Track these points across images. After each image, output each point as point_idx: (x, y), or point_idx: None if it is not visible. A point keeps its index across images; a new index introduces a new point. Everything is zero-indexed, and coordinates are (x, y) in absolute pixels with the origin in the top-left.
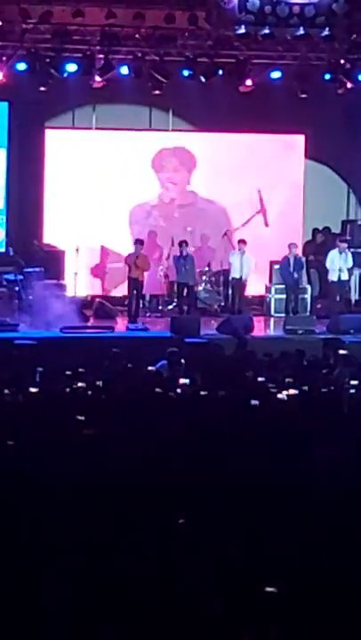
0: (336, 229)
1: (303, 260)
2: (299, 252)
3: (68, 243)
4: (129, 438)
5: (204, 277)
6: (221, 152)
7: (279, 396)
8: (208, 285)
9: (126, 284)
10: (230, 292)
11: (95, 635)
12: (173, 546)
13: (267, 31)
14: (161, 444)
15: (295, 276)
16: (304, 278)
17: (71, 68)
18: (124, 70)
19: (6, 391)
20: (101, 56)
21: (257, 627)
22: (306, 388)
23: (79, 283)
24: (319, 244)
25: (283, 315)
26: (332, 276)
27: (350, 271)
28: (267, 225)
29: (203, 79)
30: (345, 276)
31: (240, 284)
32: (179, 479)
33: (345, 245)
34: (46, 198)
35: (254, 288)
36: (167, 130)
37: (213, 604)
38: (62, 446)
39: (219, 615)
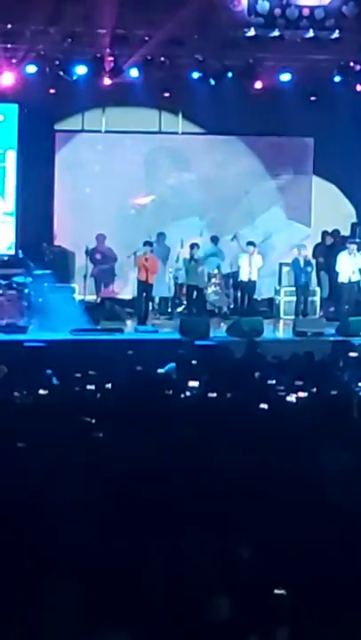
0: (345, 232)
1: (313, 262)
2: (308, 253)
3: (77, 245)
4: (137, 440)
5: (213, 279)
6: (231, 154)
7: (288, 398)
8: (217, 287)
9: (135, 286)
10: (240, 294)
11: (102, 638)
12: (181, 549)
13: (276, 34)
14: (169, 447)
15: (305, 277)
16: (314, 280)
17: (81, 70)
18: (134, 73)
19: (16, 393)
20: (111, 59)
21: (265, 629)
22: (315, 390)
23: (89, 285)
24: (329, 246)
25: (292, 317)
26: (342, 278)
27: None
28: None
29: (212, 82)
30: (355, 278)
31: (249, 286)
32: (187, 482)
33: (355, 247)
34: (56, 201)
35: (264, 290)
36: (177, 133)
37: (222, 607)
38: (71, 449)
39: (227, 617)
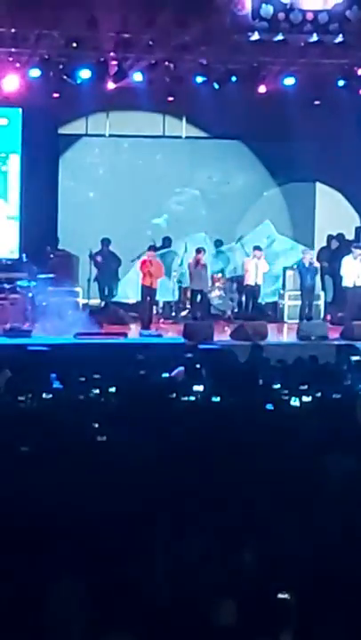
0: (349, 235)
1: (318, 267)
2: (313, 257)
3: (81, 249)
4: (141, 444)
5: (217, 284)
6: (234, 156)
7: (292, 402)
8: (221, 291)
9: (139, 290)
10: (244, 298)
11: None
12: (186, 553)
13: (280, 38)
14: (173, 451)
15: (310, 281)
16: (318, 284)
17: (85, 74)
18: (138, 77)
19: (20, 397)
20: (115, 63)
21: (270, 633)
22: (319, 394)
23: (92, 288)
24: (334, 250)
25: (296, 321)
26: (347, 282)
27: None
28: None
29: (216, 86)
30: (360, 282)
31: (254, 290)
32: (191, 486)
33: (360, 251)
34: (60, 204)
35: (268, 294)
36: (180, 137)
37: (227, 611)
38: (75, 452)
39: (232, 622)
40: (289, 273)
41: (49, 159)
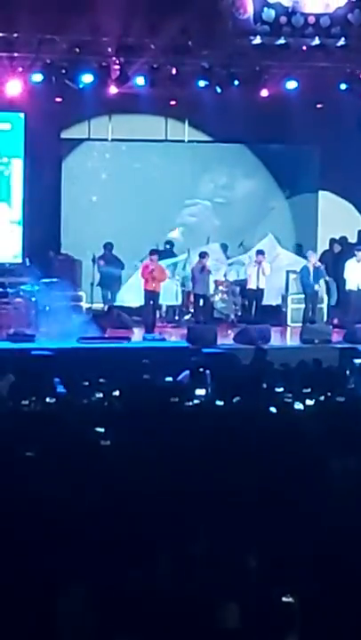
0: (352, 239)
1: (323, 270)
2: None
3: (84, 253)
4: (145, 448)
5: (220, 287)
6: (237, 160)
7: (296, 406)
8: (225, 295)
9: (143, 294)
10: (247, 301)
11: None
12: (190, 557)
13: (282, 41)
14: (177, 455)
15: (314, 286)
16: (322, 287)
17: (87, 78)
18: (140, 81)
19: (24, 402)
20: (117, 67)
21: (274, 637)
22: (322, 397)
23: (96, 293)
24: (337, 253)
25: (300, 324)
26: (351, 286)
27: None
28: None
29: (218, 90)
30: None
31: (257, 294)
32: (195, 490)
33: None
34: (63, 209)
35: (271, 298)
36: (183, 141)
37: (231, 615)
38: (79, 457)
39: (236, 626)
40: (292, 277)
41: (51, 163)
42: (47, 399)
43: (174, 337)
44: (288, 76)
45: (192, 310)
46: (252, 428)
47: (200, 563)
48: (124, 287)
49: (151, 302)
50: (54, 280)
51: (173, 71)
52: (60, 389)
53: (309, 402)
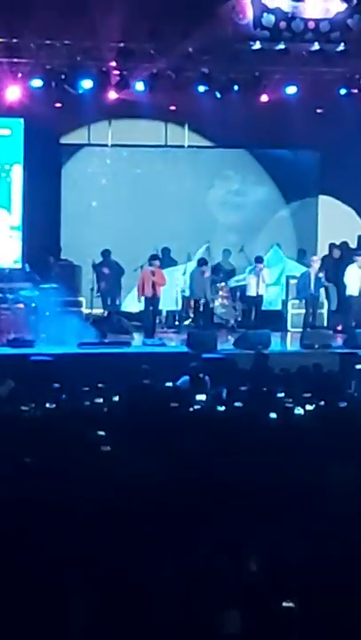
0: (352, 244)
1: (324, 278)
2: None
3: (84, 259)
4: (146, 454)
5: (220, 292)
6: (237, 165)
7: (296, 411)
8: (225, 300)
9: (143, 299)
10: (247, 307)
11: None
12: (191, 562)
13: (282, 46)
14: (178, 460)
15: (314, 292)
16: (322, 293)
17: (87, 84)
18: (140, 86)
19: (24, 407)
20: (117, 72)
21: None
22: (323, 402)
23: (96, 298)
24: (337, 258)
25: (300, 329)
26: (351, 291)
27: None
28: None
29: (218, 95)
30: None
31: (257, 300)
32: (196, 495)
33: None
34: (63, 214)
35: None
36: (183, 146)
37: (232, 620)
38: (80, 462)
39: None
40: (292, 282)
41: (51, 169)
42: (47, 404)
43: (174, 342)
44: (288, 81)
45: (192, 315)
46: (253, 434)
47: (201, 568)
48: (124, 292)
49: (151, 307)
50: (54, 285)
51: (173, 76)
52: (60, 395)
53: (310, 407)
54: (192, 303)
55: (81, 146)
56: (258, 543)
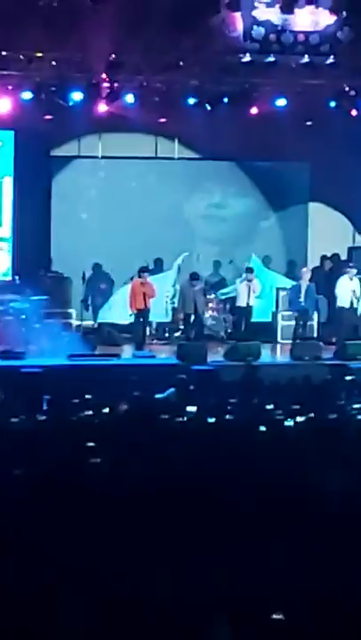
0: (342, 256)
1: (314, 289)
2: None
3: (74, 271)
4: (136, 465)
5: (210, 304)
6: (227, 177)
7: (286, 423)
8: (215, 312)
9: (134, 310)
10: (237, 318)
11: None
12: (181, 573)
13: (272, 59)
14: (168, 472)
15: (304, 304)
16: (313, 305)
17: (77, 96)
18: (130, 99)
19: (13, 419)
20: (107, 84)
21: None
22: (313, 414)
23: (86, 310)
24: (328, 270)
25: (290, 341)
26: (342, 303)
27: (358, 298)
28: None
29: (208, 107)
30: (356, 303)
31: (247, 311)
32: (186, 506)
33: (355, 272)
34: (53, 226)
35: (261, 314)
36: (173, 158)
37: (221, 632)
38: (69, 475)
39: None
40: (282, 293)
41: (41, 181)
42: (37, 416)
43: (164, 354)
44: (278, 94)
45: (182, 327)
46: (244, 446)
47: (190, 580)
48: (114, 304)
49: (141, 319)
50: (44, 297)
51: (163, 89)
52: (50, 406)
53: (300, 419)
54: (182, 315)
55: (71, 158)
56: (248, 554)
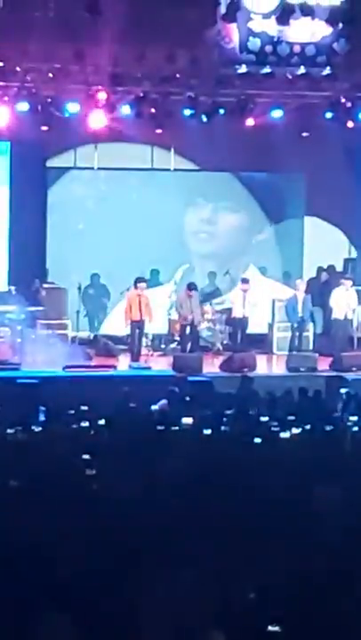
0: (338, 267)
1: (310, 300)
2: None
3: (70, 281)
4: (131, 478)
5: (206, 316)
6: (224, 188)
7: (282, 434)
8: (211, 323)
9: (129, 322)
10: (233, 329)
11: None
12: (175, 587)
13: (268, 70)
14: (164, 484)
15: (300, 315)
16: (309, 316)
17: (73, 107)
18: (126, 110)
19: (9, 430)
20: (103, 96)
21: None
22: (308, 426)
23: (82, 321)
24: (324, 281)
25: (286, 352)
26: (338, 314)
27: (354, 309)
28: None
29: (204, 118)
30: (351, 315)
31: (242, 322)
32: (181, 519)
33: (350, 283)
34: (49, 237)
35: (257, 326)
36: (169, 169)
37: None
38: (65, 486)
39: None
40: (278, 304)
41: (37, 192)
42: (33, 427)
43: (160, 365)
44: (274, 105)
45: (178, 338)
46: (239, 457)
47: (185, 592)
48: (111, 315)
49: (137, 330)
50: (40, 308)
51: (159, 100)
52: (46, 417)
53: (295, 430)
54: (178, 326)
55: (67, 169)
56: (243, 566)
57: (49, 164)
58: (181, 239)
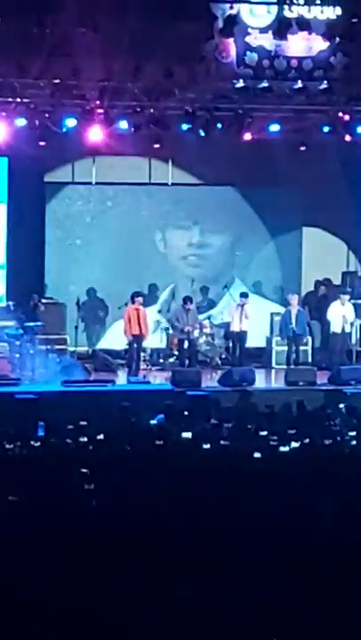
0: (336, 281)
1: (306, 313)
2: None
3: (68, 297)
4: (129, 493)
5: (204, 330)
6: (222, 202)
7: (281, 449)
8: (209, 338)
9: (130, 336)
10: (231, 344)
11: None
12: (174, 602)
13: (265, 85)
14: (163, 499)
15: (295, 329)
16: (306, 330)
17: (70, 122)
18: (124, 124)
19: (8, 446)
20: (101, 110)
21: None
22: (307, 440)
23: (80, 336)
24: (322, 295)
25: (284, 366)
26: (335, 328)
27: (352, 323)
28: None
29: (202, 133)
30: (348, 328)
31: (240, 336)
32: (180, 533)
33: (347, 297)
34: (47, 252)
35: (256, 340)
36: (167, 184)
37: None
38: (64, 501)
39: None
40: (276, 318)
41: (35, 207)
42: (32, 443)
43: (159, 380)
44: (271, 119)
45: (176, 353)
46: (238, 472)
47: (186, 605)
48: (109, 330)
49: (135, 345)
50: (38, 324)
51: (157, 115)
52: (45, 433)
53: (294, 444)
54: (176, 341)
55: (65, 184)
56: (244, 580)
57: (47, 179)
58: (179, 253)
